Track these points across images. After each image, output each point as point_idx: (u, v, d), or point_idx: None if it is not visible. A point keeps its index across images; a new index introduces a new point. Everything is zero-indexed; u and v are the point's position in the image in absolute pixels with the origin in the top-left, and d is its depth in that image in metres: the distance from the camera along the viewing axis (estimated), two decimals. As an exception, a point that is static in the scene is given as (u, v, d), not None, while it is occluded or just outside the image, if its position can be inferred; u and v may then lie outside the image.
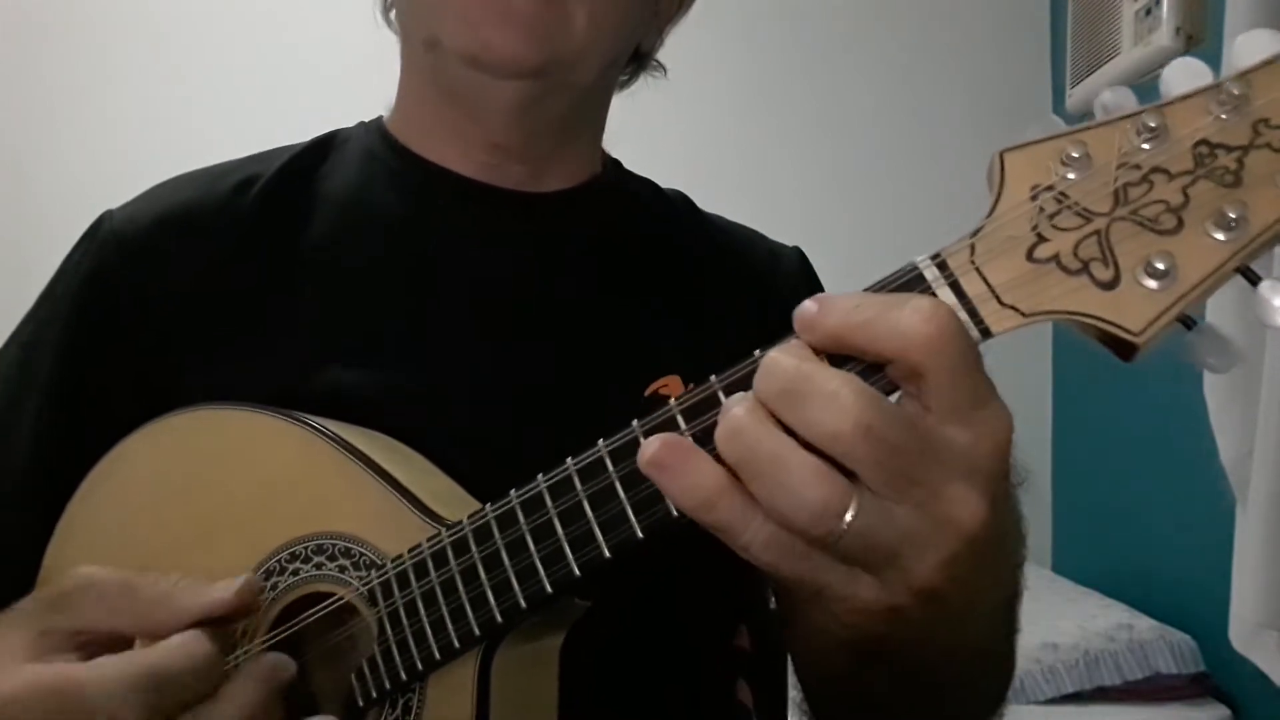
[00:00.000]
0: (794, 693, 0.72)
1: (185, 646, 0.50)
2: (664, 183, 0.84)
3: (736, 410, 0.39)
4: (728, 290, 0.76)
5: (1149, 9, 2.07)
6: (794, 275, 0.81)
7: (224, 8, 2.72)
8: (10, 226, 2.61)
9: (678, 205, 0.82)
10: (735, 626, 0.73)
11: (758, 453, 0.38)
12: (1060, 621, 2.10)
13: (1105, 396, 2.53)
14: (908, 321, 0.38)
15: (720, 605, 0.71)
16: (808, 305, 0.40)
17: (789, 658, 0.73)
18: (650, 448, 0.41)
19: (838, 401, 0.37)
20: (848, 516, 0.38)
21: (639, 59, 0.79)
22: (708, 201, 0.83)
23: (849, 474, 0.38)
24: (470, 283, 0.70)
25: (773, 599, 0.73)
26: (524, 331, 0.69)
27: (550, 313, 0.70)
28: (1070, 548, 2.71)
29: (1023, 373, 2.74)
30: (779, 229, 0.84)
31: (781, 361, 0.39)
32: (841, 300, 0.40)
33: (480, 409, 0.65)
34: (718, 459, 0.40)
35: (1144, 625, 2.07)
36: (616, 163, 0.82)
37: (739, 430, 0.39)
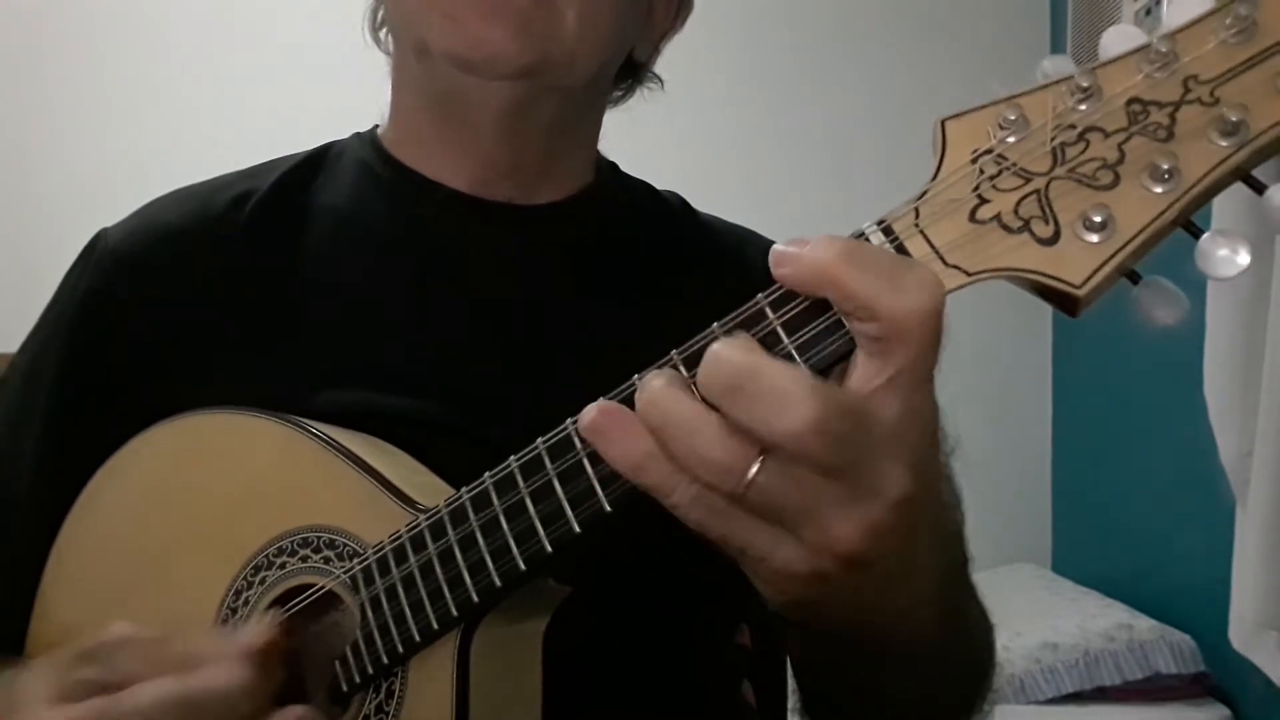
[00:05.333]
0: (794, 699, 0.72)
1: (222, 672, 0.51)
2: (659, 183, 0.83)
3: (655, 382, 0.41)
4: (722, 292, 0.76)
5: (1149, 9, 2.08)
6: None
7: (227, 8, 2.73)
8: (13, 228, 2.61)
9: (673, 207, 0.81)
10: (737, 624, 0.73)
11: (670, 419, 0.40)
12: (1060, 621, 2.09)
13: (1105, 396, 2.52)
14: (914, 287, 0.39)
15: (721, 602, 0.70)
16: (791, 245, 0.41)
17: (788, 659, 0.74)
18: (588, 414, 0.43)
19: (788, 401, 0.38)
20: (750, 473, 0.39)
21: (634, 72, 0.78)
22: (703, 201, 0.83)
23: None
24: (463, 297, 0.70)
25: None
26: (516, 344, 0.69)
27: (542, 324, 0.70)
28: (1070, 548, 2.69)
29: (1023, 372, 2.73)
30: (774, 229, 0.81)
31: (726, 355, 0.40)
32: (839, 243, 0.40)
33: (475, 420, 0.65)
34: None
35: (1144, 625, 2.06)
36: (612, 166, 0.81)
37: (654, 399, 0.41)
